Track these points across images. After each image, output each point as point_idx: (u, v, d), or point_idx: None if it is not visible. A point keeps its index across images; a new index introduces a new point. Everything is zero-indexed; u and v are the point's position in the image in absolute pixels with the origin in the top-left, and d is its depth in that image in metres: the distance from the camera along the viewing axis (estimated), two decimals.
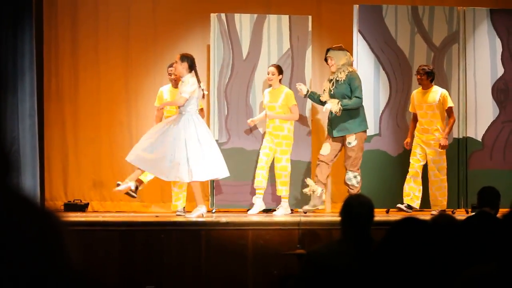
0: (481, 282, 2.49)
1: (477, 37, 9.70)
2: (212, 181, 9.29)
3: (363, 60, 9.53)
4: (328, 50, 8.84)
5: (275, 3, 10.40)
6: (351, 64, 8.91)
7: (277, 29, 9.62)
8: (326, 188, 9.14)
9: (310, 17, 9.72)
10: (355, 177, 8.74)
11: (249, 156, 9.40)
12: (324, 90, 8.87)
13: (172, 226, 7.57)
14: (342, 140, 8.79)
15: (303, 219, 7.85)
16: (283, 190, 9.14)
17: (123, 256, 7.33)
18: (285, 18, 9.65)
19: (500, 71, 9.69)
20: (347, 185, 8.80)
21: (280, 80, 9.17)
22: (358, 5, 9.64)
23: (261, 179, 9.11)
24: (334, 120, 8.77)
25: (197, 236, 7.42)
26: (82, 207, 9.85)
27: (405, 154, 9.45)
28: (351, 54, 9.24)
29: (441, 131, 9.06)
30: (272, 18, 9.65)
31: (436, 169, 9.16)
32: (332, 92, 8.76)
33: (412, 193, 9.18)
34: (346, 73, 8.72)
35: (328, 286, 3.86)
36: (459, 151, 9.57)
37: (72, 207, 9.81)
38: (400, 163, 9.44)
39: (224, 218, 8.00)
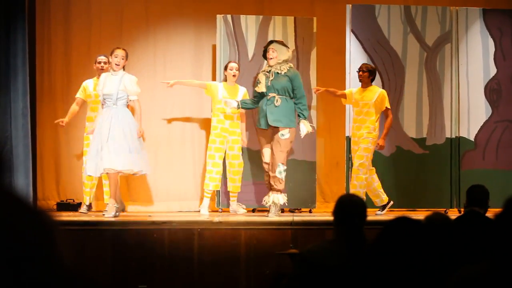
0: (474, 282, 2.50)
1: (469, 37, 9.72)
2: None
3: (356, 60, 9.53)
4: (271, 42, 8.60)
5: (268, 3, 10.42)
6: (291, 61, 8.76)
7: (282, 31, 9.67)
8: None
9: (315, 18, 9.81)
10: (284, 170, 8.42)
11: (254, 156, 9.44)
12: (260, 82, 8.50)
13: (165, 225, 7.56)
14: (273, 132, 8.46)
15: (296, 218, 7.85)
16: (239, 186, 9.22)
17: (116, 255, 7.31)
18: (290, 20, 9.72)
19: (493, 71, 9.71)
20: (277, 179, 8.38)
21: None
22: (351, 5, 9.65)
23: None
24: (269, 111, 8.39)
25: (190, 235, 7.41)
26: (75, 207, 9.83)
27: (398, 154, 9.47)
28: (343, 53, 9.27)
29: (371, 129, 9.03)
30: (277, 19, 9.73)
31: (364, 158, 9.02)
32: (269, 84, 8.43)
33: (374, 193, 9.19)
34: (288, 68, 8.49)
35: (321, 285, 3.86)
36: (451, 151, 9.59)
37: (65, 206, 9.80)
38: (392, 163, 9.45)
39: (217, 217, 7.99)
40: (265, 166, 8.51)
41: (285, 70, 8.43)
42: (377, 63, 9.57)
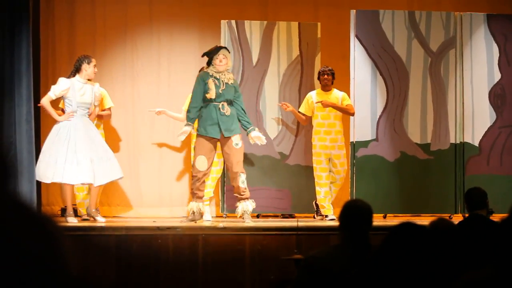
0: (480, 287, 2.49)
1: (474, 42, 9.71)
2: (223, 187, 9.34)
3: (360, 65, 9.53)
4: (221, 48, 8.53)
5: (272, 9, 10.43)
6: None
7: (286, 36, 9.67)
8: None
9: (319, 24, 9.80)
10: (245, 178, 8.38)
11: (259, 162, 9.43)
12: (210, 89, 8.36)
13: (169, 231, 7.55)
14: (223, 142, 8.41)
15: (301, 224, 7.85)
16: (211, 191, 9.27)
17: (120, 261, 7.31)
18: (294, 25, 9.72)
19: (497, 76, 9.69)
20: (241, 189, 8.34)
21: None
22: (355, 10, 9.65)
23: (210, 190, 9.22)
24: (221, 121, 8.33)
25: (195, 241, 7.41)
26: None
27: (402, 159, 9.45)
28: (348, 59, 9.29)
29: (342, 134, 9.21)
30: (281, 24, 9.72)
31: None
32: (220, 92, 8.34)
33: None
34: (231, 77, 8.48)
35: None
36: (456, 157, 9.57)
37: None
38: (397, 169, 9.43)
39: (221, 223, 7.99)
40: (197, 174, 8.33)
41: (232, 80, 8.46)
42: (381, 68, 9.57)
